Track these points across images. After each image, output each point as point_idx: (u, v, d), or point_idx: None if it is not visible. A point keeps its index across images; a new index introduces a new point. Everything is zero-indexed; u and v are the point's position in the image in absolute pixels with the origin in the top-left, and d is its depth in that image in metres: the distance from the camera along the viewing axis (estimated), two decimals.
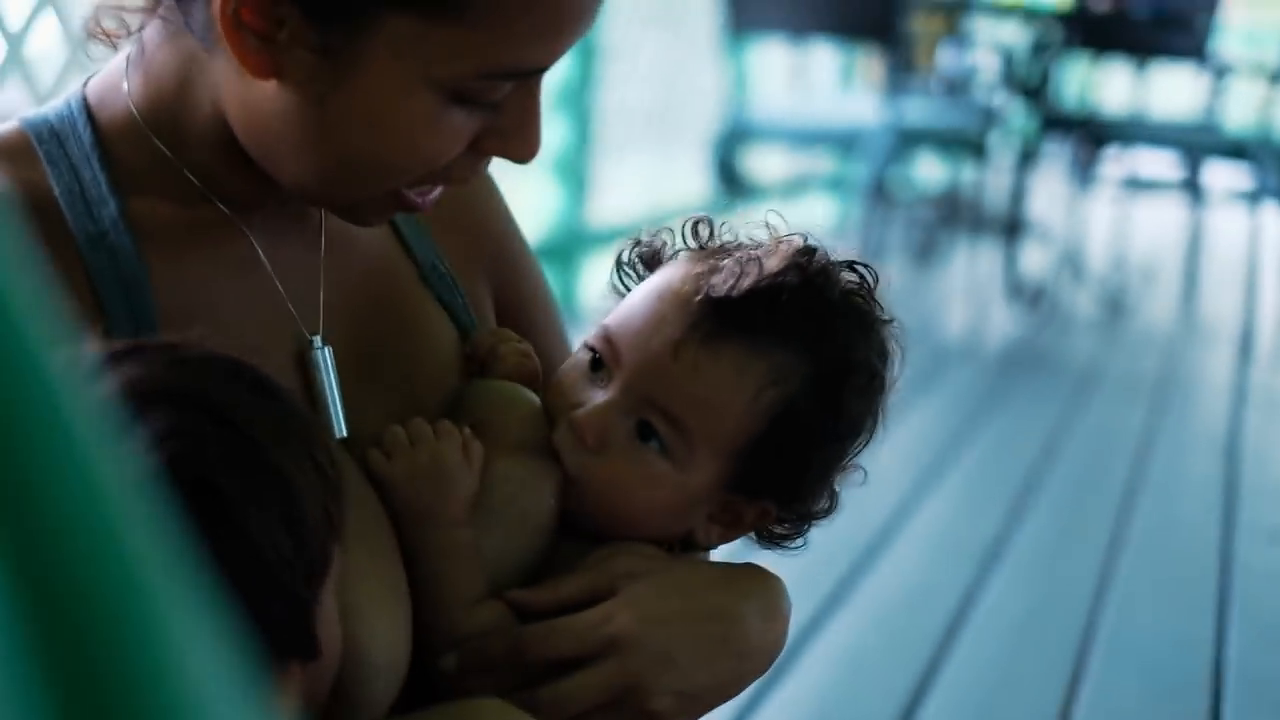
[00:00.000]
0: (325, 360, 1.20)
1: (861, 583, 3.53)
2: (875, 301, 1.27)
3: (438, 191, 1.16)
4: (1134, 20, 6.95)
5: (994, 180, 7.29)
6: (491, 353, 1.31)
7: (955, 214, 7.49)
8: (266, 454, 0.90)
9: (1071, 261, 7.42)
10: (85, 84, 1.19)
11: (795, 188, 6.99)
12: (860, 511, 3.91)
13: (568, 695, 1.17)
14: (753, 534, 1.33)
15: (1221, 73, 7.30)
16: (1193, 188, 7.37)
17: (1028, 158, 7.25)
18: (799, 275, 1.21)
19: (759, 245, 1.26)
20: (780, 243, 1.25)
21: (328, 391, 1.20)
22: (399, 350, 1.27)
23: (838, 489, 1.29)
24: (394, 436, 1.20)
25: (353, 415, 1.22)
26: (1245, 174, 7.44)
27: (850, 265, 1.27)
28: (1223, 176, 7.75)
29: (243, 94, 1.08)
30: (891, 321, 1.28)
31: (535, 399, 1.26)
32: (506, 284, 1.40)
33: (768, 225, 1.28)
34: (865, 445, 1.28)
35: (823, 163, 6.90)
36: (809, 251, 1.24)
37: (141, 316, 1.11)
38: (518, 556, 1.22)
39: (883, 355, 1.26)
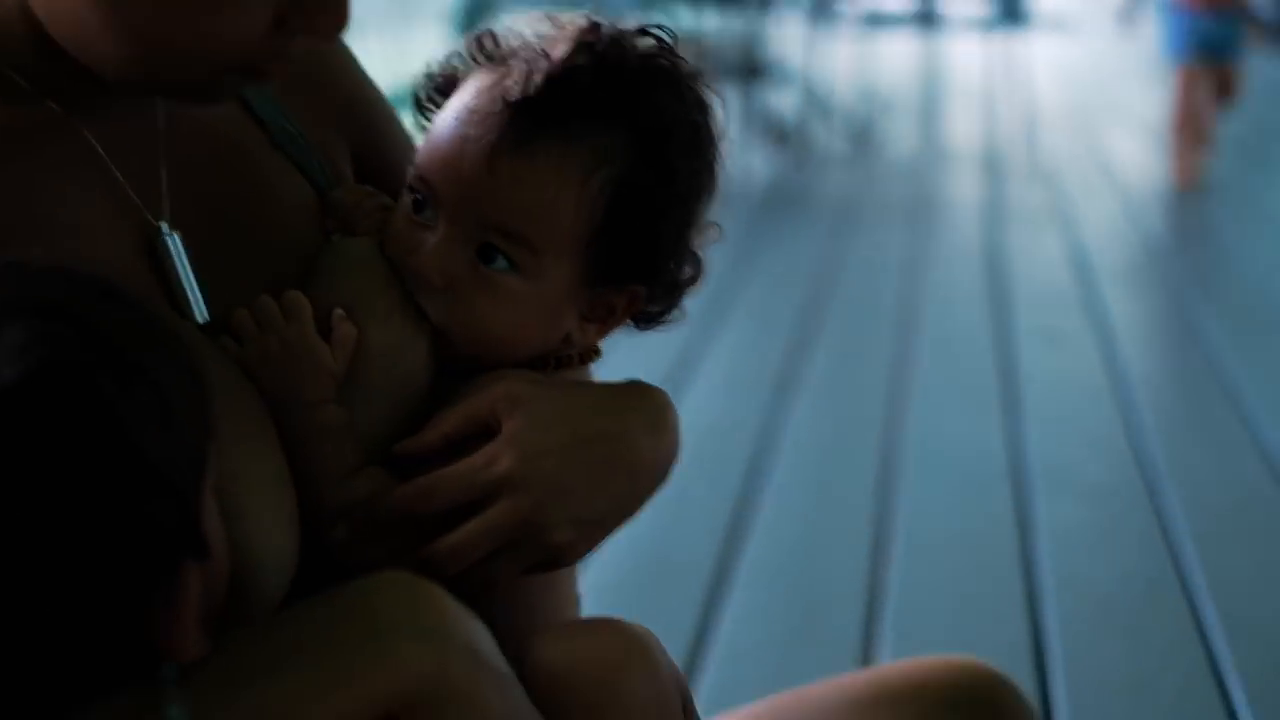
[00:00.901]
0: (175, 246, 1.15)
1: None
2: (678, 58, 1.21)
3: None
4: None
5: (736, 25, 7.34)
6: (356, 208, 1.26)
7: (701, 61, 7.50)
8: (131, 356, 0.87)
9: (817, 99, 7.53)
10: None
11: None
12: (647, 356, 3.93)
13: (464, 544, 1.13)
14: (630, 321, 1.29)
15: None
16: (928, 19, 7.52)
17: (766, 1, 7.31)
18: (590, 54, 1.16)
19: (545, 39, 1.19)
20: (564, 28, 1.19)
21: (182, 277, 1.14)
22: (254, 221, 1.21)
23: (697, 252, 1.24)
24: (241, 322, 1.15)
25: (214, 296, 1.16)
26: (979, 1, 7.61)
27: (643, 31, 1.21)
28: (958, 5, 7.91)
29: None
30: (700, 73, 1.22)
31: None
32: (364, 138, 1.34)
33: (550, 20, 1.20)
34: (709, 201, 1.23)
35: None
36: (594, 29, 1.18)
37: None
38: (404, 417, 1.20)
39: (700, 108, 1.21)
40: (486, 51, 1.21)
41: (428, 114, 1.24)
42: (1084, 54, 10.92)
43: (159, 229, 1.14)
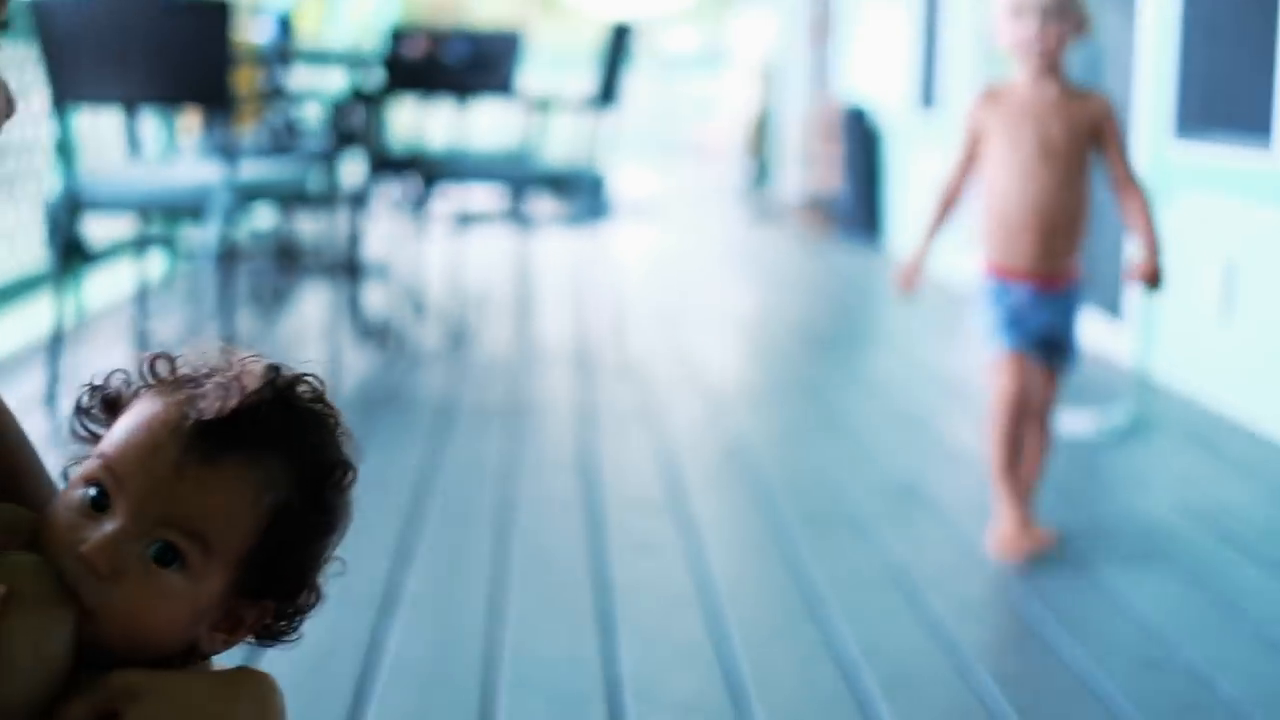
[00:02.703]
0: None
1: (263, 651, 3.56)
2: (331, 406, 1.42)
3: None
4: (446, 65, 7.29)
5: (332, 225, 7.43)
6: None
7: (297, 261, 7.58)
8: None
9: (412, 297, 7.67)
10: None
11: (135, 249, 6.92)
12: None
13: None
14: (253, 636, 1.43)
15: (537, 107, 7.73)
16: (517, 217, 7.76)
17: (361, 200, 7.44)
18: (273, 390, 1.35)
19: (222, 368, 1.37)
20: (246, 362, 1.38)
21: None
22: None
23: (321, 581, 1.43)
24: None
25: None
26: (561, 201, 7.90)
27: (302, 378, 1.41)
28: (545, 204, 8.18)
29: None
30: (343, 422, 1.43)
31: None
32: None
33: (225, 351, 1.39)
34: (341, 537, 1.43)
35: (161, 223, 6.86)
36: (275, 369, 1.38)
37: None
38: (37, 700, 1.28)
39: (348, 453, 1.41)
40: (159, 374, 1.36)
41: (86, 420, 1.37)
42: (665, 244, 11.41)
43: None
